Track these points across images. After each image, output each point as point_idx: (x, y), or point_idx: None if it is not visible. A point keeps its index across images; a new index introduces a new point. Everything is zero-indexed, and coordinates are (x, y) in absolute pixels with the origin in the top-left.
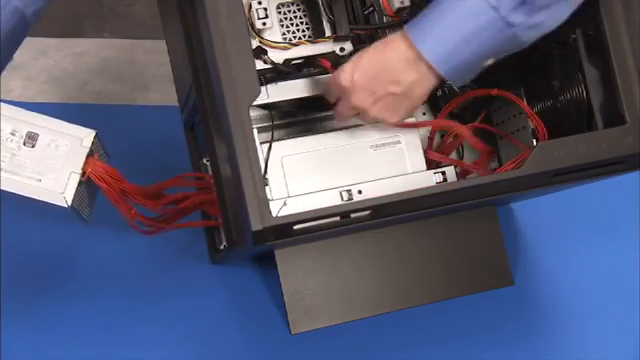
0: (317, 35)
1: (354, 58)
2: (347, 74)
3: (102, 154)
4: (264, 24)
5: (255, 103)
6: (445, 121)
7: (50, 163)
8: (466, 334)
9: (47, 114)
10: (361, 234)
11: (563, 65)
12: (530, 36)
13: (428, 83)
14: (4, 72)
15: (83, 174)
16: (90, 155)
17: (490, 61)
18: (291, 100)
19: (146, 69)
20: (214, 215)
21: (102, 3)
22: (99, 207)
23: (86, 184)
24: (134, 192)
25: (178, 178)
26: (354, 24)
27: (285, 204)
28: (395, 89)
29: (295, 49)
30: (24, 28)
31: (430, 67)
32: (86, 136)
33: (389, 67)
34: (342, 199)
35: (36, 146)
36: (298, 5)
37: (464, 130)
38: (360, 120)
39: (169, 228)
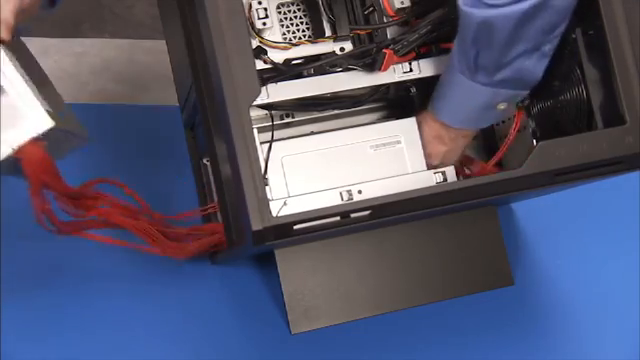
0: (317, 35)
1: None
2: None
3: (58, 149)
4: (264, 24)
5: (255, 103)
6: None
7: None
8: (466, 334)
9: None
10: (361, 234)
11: (563, 65)
12: (507, 96)
13: (464, 134)
14: None
15: (17, 152)
16: (37, 141)
17: (503, 105)
18: (291, 100)
19: (146, 69)
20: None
21: (102, 4)
22: None
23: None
24: (59, 189)
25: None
26: (354, 24)
27: (285, 204)
28: (449, 154)
29: (295, 49)
30: None
31: (458, 129)
32: (42, 123)
33: (433, 145)
34: (342, 199)
35: None
36: (298, 5)
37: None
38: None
39: (76, 234)
